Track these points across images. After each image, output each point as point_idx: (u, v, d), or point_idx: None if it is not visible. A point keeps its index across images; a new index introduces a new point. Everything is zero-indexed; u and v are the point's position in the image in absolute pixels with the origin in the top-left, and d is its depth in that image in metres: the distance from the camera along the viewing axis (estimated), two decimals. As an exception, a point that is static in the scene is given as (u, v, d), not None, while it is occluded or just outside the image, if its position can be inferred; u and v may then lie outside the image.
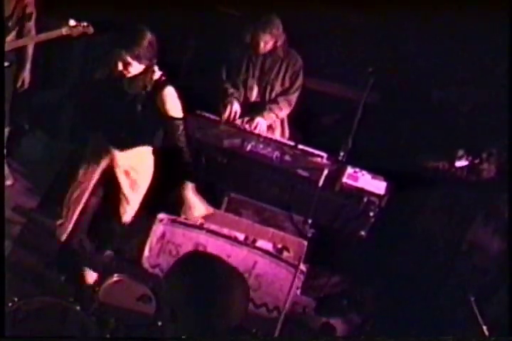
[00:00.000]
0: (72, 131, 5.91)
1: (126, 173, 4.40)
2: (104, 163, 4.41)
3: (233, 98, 5.13)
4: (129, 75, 4.17)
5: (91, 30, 4.73)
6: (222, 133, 4.97)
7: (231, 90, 5.16)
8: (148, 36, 4.10)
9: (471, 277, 4.55)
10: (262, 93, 5.19)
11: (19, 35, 4.94)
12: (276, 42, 5.02)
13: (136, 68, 4.14)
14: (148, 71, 4.18)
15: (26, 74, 5.09)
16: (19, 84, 5.09)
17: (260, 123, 5.12)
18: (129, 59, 4.09)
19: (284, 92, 5.17)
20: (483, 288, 4.41)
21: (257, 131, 5.08)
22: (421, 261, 4.73)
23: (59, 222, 4.54)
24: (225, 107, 5.12)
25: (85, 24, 4.71)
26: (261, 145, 4.92)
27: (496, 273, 4.47)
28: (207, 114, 5.09)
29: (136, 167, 4.39)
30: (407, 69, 5.53)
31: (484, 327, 3.77)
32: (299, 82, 5.16)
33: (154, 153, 4.40)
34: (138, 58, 4.10)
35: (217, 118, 5.10)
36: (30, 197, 5.30)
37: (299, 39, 5.21)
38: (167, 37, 4.34)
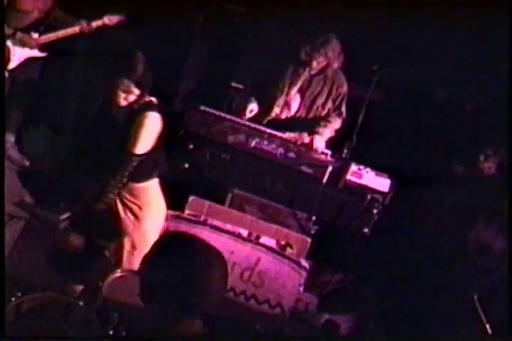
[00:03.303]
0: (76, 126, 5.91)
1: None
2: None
3: (251, 98, 5.10)
4: (125, 104, 3.94)
5: (125, 19, 5.06)
6: (227, 129, 4.96)
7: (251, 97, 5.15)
8: (144, 60, 3.91)
9: (474, 275, 4.55)
10: (301, 108, 5.16)
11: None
12: (328, 65, 5.00)
13: (135, 96, 3.92)
14: (141, 97, 3.95)
15: None
16: None
17: (317, 140, 5.02)
18: (132, 87, 3.87)
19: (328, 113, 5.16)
20: (486, 287, 4.41)
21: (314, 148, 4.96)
22: (424, 259, 4.72)
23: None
24: (240, 104, 5.13)
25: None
26: (265, 142, 4.91)
27: (498, 272, 4.47)
28: (211, 110, 5.08)
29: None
30: (410, 68, 5.53)
31: (487, 326, 3.78)
32: (342, 107, 5.15)
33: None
34: (139, 85, 3.88)
35: (222, 114, 5.08)
36: (34, 192, 5.30)
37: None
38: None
